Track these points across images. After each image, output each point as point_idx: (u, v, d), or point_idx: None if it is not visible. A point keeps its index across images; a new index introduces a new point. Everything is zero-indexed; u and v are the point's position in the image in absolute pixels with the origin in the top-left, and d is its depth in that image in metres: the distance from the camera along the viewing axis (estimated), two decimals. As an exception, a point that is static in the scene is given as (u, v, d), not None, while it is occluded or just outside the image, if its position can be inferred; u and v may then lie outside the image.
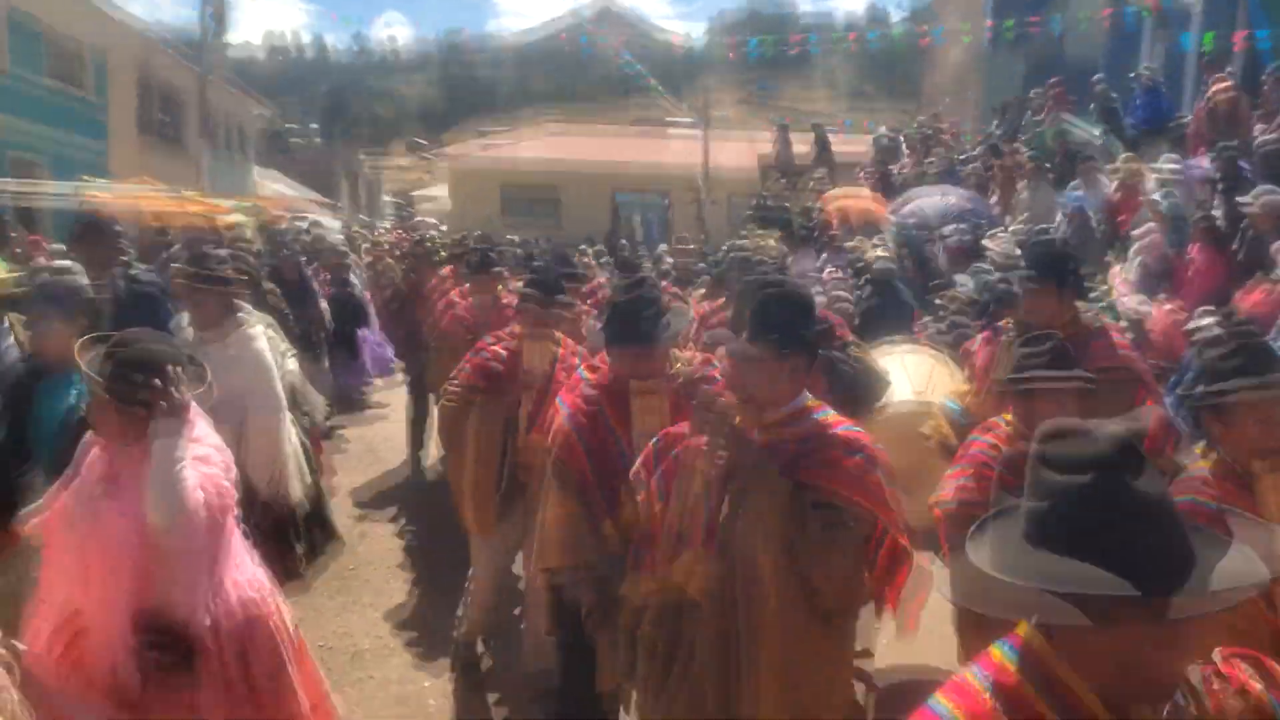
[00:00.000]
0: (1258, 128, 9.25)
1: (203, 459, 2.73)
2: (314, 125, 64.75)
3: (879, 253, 9.89)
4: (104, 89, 19.19)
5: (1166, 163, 9.09)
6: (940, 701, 1.42)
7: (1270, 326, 6.08)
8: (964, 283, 7.57)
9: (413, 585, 5.52)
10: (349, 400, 9.73)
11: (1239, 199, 7.68)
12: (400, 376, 9.72)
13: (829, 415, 2.77)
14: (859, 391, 4.40)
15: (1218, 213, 8.04)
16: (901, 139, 17.20)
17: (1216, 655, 1.46)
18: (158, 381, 2.77)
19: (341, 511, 6.14)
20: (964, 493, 3.10)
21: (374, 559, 5.89)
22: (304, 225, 15.12)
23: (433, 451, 7.73)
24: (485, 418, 4.23)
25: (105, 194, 12.68)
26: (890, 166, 15.85)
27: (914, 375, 5.07)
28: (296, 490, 4.27)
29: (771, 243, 14.05)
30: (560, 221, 30.40)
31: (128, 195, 12.71)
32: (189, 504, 2.56)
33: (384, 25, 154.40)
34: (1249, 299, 6.44)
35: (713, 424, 2.54)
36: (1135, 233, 8.22)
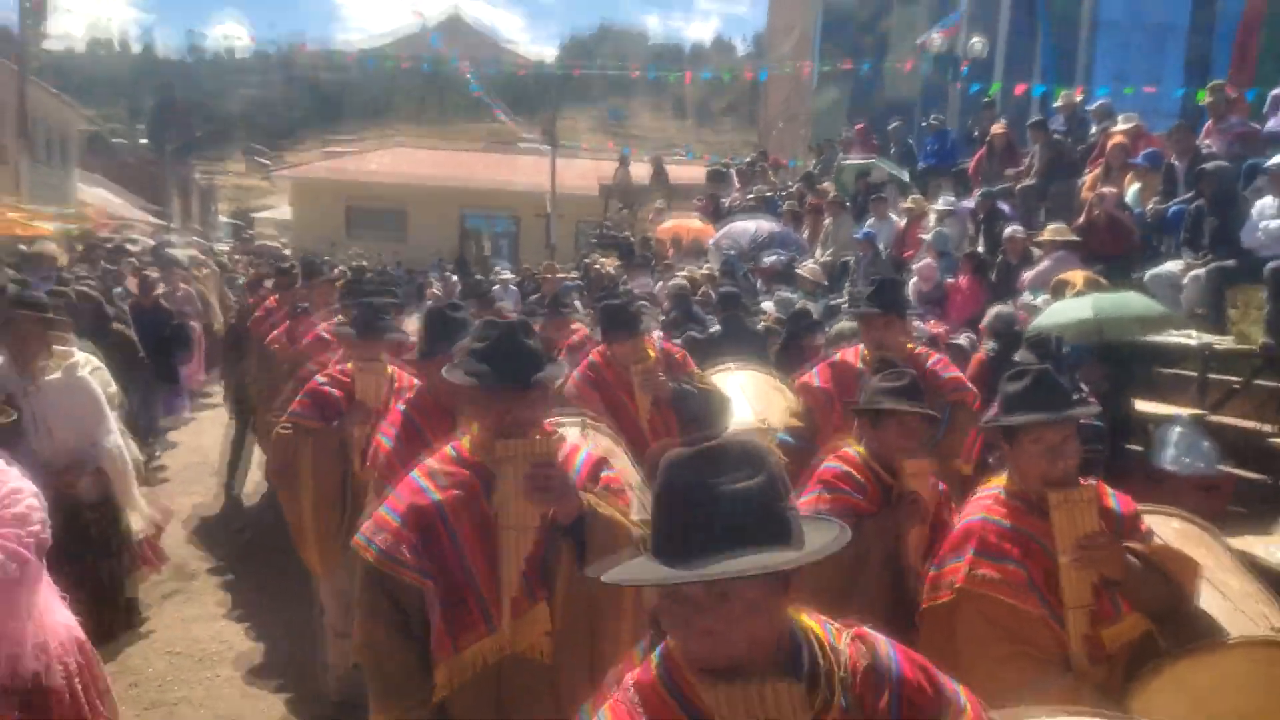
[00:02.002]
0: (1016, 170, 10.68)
1: (21, 517, 2.56)
2: (143, 140, 61.16)
3: (703, 274, 10.79)
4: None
5: (943, 201, 10.39)
6: (591, 709, 1.52)
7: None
8: (768, 307, 8.50)
9: (250, 593, 5.80)
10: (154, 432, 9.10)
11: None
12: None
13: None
14: (707, 418, 4.54)
15: (982, 247, 9.34)
16: (733, 170, 18.37)
17: (849, 633, 1.54)
18: None
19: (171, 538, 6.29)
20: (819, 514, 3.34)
21: (209, 574, 6.14)
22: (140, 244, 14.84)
23: (253, 477, 7.73)
24: (320, 452, 4.10)
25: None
26: (721, 196, 16.94)
27: (753, 398, 5.19)
28: (143, 513, 4.42)
29: (610, 266, 14.88)
30: (408, 240, 30.33)
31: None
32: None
33: (222, 33, 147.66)
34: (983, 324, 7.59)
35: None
36: (915, 265, 9.40)
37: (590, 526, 2.40)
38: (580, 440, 3.68)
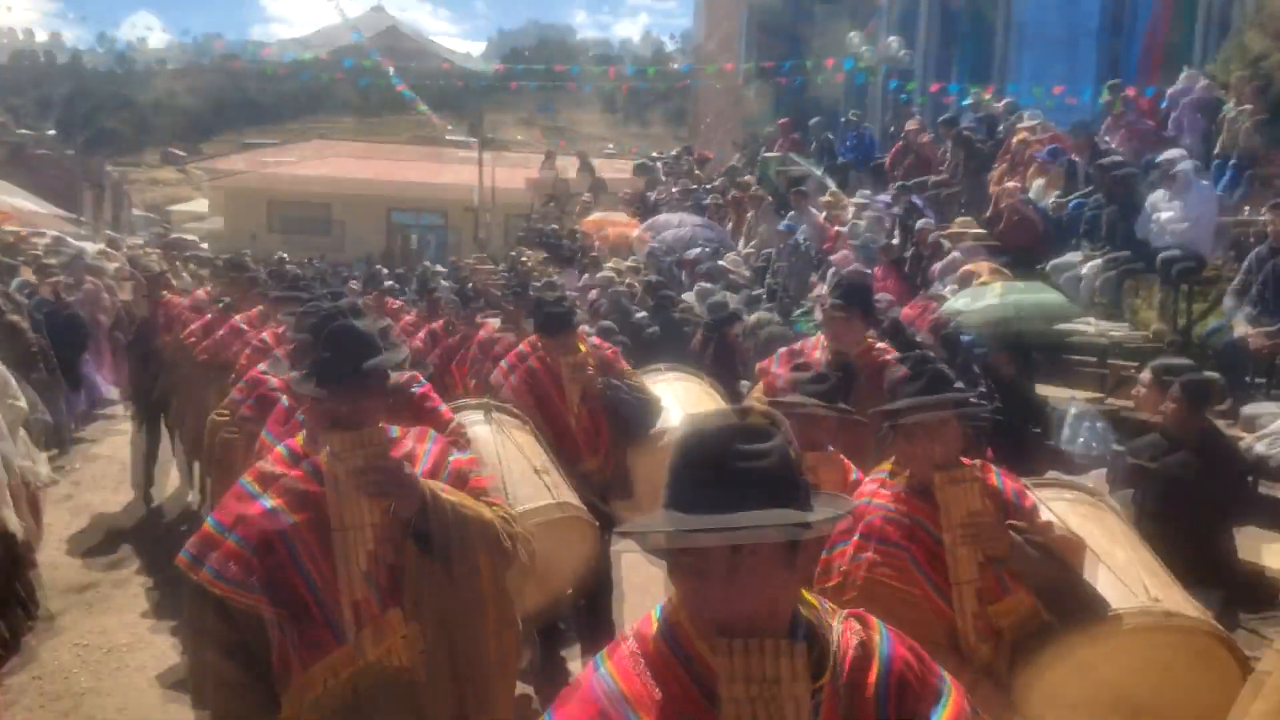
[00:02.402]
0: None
1: None
2: (51, 131, 58.92)
3: (641, 276, 10.83)
4: None
5: (860, 196, 10.64)
6: (602, 660, 1.51)
7: (920, 331, 7.48)
8: (689, 299, 8.62)
9: (163, 596, 5.68)
10: (61, 438, 8.77)
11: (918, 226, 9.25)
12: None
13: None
14: (641, 420, 4.66)
15: (897, 240, 9.61)
16: (659, 166, 18.51)
17: (842, 613, 1.57)
18: None
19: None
20: None
21: (122, 577, 6.01)
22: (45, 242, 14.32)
23: (167, 487, 7.60)
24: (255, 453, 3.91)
25: None
26: (649, 192, 17.07)
27: (685, 401, 5.21)
28: (13, 521, 4.24)
29: (535, 261, 14.85)
30: (335, 241, 29.87)
31: None
32: None
33: (133, 26, 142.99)
34: (907, 312, 7.83)
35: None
36: (833, 257, 9.61)
37: (435, 518, 2.25)
38: (485, 425, 3.71)
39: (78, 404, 9.57)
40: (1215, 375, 4.98)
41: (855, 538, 2.70)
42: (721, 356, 7.31)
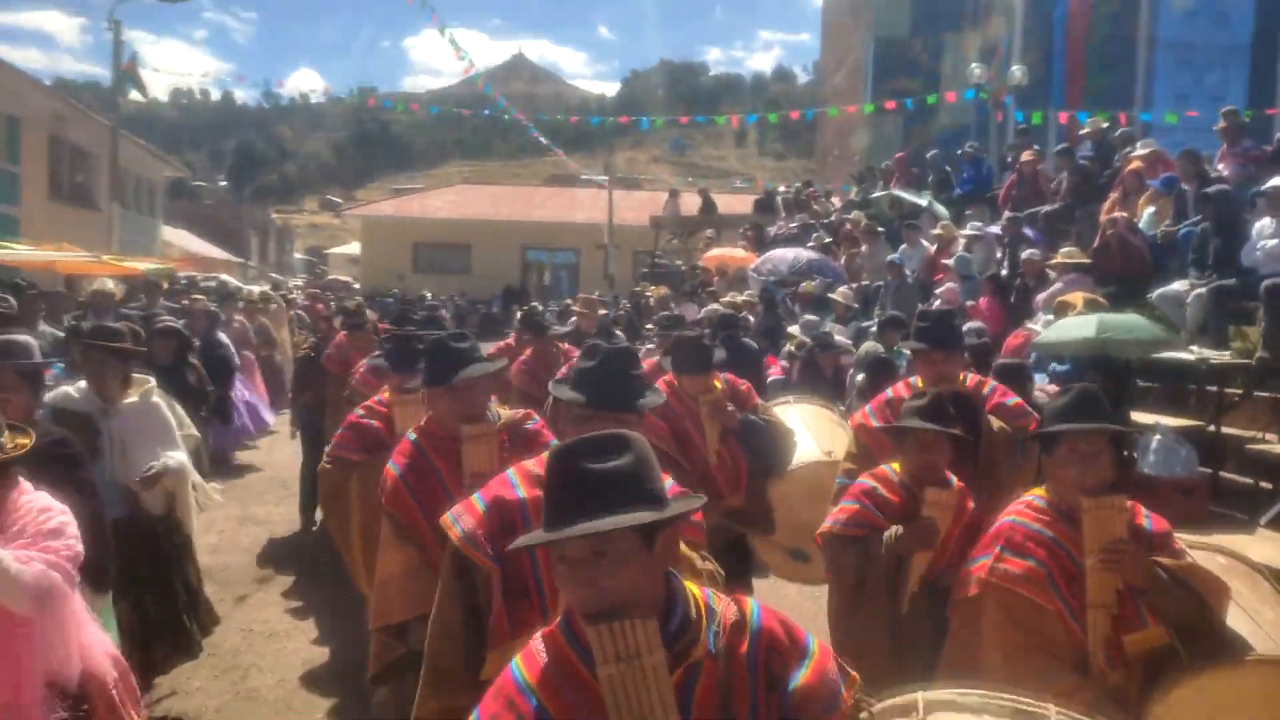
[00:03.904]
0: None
1: (56, 531, 2.74)
2: (222, 180, 63.80)
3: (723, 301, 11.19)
4: (16, 154, 19.73)
5: (970, 226, 10.76)
6: (515, 660, 1.77)
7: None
8: (795, 330, 8.99)
9: (310, 592, 6.43)
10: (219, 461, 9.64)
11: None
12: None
13: None
14: (778, 454, 4.69)
15: (1006, 270, 9.70)
16: (779, 200, 18.89)
17: (726, 598, 1.82)
18: None
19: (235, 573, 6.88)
20: (837, 522, 3.41)
21: (278, 580, 6.83)
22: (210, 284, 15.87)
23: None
24: (366, 481, 4.07)
25: (23, 257, 13.36)
26: (767, 225, 17.45)
27: (818, 433, 5.20)
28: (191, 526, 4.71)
29: (657, 295, 15.43)
30: (474, 278, 31.40)
31: (43, 259, 13.41)
32: (41, 591, 2.62)
33: (296, 82, 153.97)
34: (1010, 341, 7.97)
35: None
36: (939, 290, 9.79)
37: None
38: None
39: (227, 435, 10.43)
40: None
41: (996, 550, 2.82)
42: (813, 384, 7.58)
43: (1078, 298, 6.96)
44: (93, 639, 2.88)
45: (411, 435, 3.51)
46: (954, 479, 3.40)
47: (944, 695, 1.98)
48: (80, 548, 2.81)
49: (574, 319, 8.42)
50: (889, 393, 4.48)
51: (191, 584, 4.73)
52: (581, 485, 1.65)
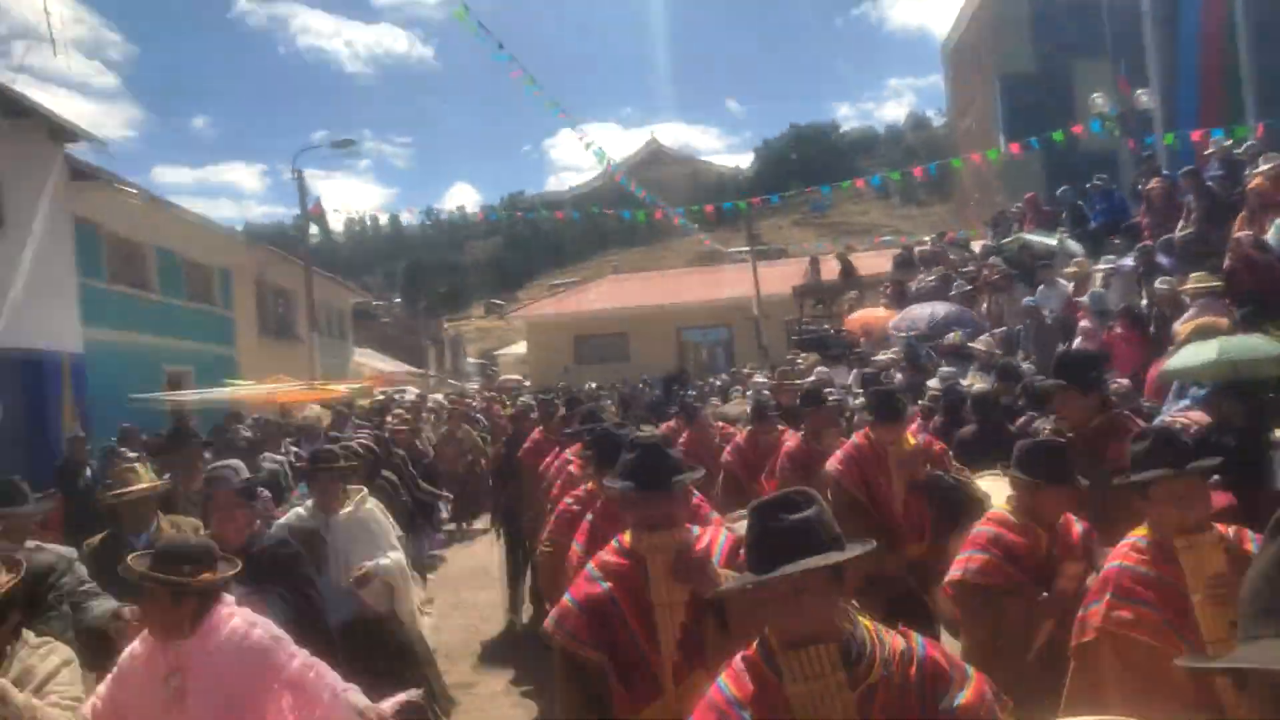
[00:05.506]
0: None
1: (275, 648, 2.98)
2: (396, 299, 68.10)
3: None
4: (230, 300, 22.62)
5: (1104, 261, 10.92)
6: (722, 676, 2.08)
7: (1160, 395, 7.82)
8: (933, 384, 9.44)
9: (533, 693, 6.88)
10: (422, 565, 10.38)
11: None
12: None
13: None
14: (964, 511, 4.71)
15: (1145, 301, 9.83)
16: (916, 255, 19.16)
17: (893, 631, 2.12)
18: (206, 571, 2.96)
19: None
20: (968, 570, 3.50)
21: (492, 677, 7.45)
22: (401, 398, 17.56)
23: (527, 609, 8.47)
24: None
25: (249, 392, 15.45)
26: (909, 283, 17.75)
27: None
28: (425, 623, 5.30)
29: (808, 363, 16.00)
30: (632, 364, 32.57)
31: (266, 392, 15.46)
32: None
33: (453, 197, 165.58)
34: (1151, 374, 8.16)
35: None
36: (1080, 325, 10.01)
37: (729, 599, 2.73)
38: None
39: (425, 541, 11.11)
40: None
41: (1108, 597, 2.92)
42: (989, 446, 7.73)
43: (1204, 322, 7.18)
44: None
45: (589, 516, 3.88)
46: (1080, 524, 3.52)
47: None
48: (296, 650, 3.08)
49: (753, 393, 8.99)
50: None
51: (426, 675, 5.05)
52: (781, 534, 2.00)
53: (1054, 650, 3.27)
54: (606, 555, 3.02)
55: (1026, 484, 3.50)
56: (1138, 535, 3.01)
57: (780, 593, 1.97)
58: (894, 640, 2.10)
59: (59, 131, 13.83)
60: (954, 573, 3.56)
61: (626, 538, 3.02)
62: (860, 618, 2.12)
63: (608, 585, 2.92)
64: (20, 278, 12.89)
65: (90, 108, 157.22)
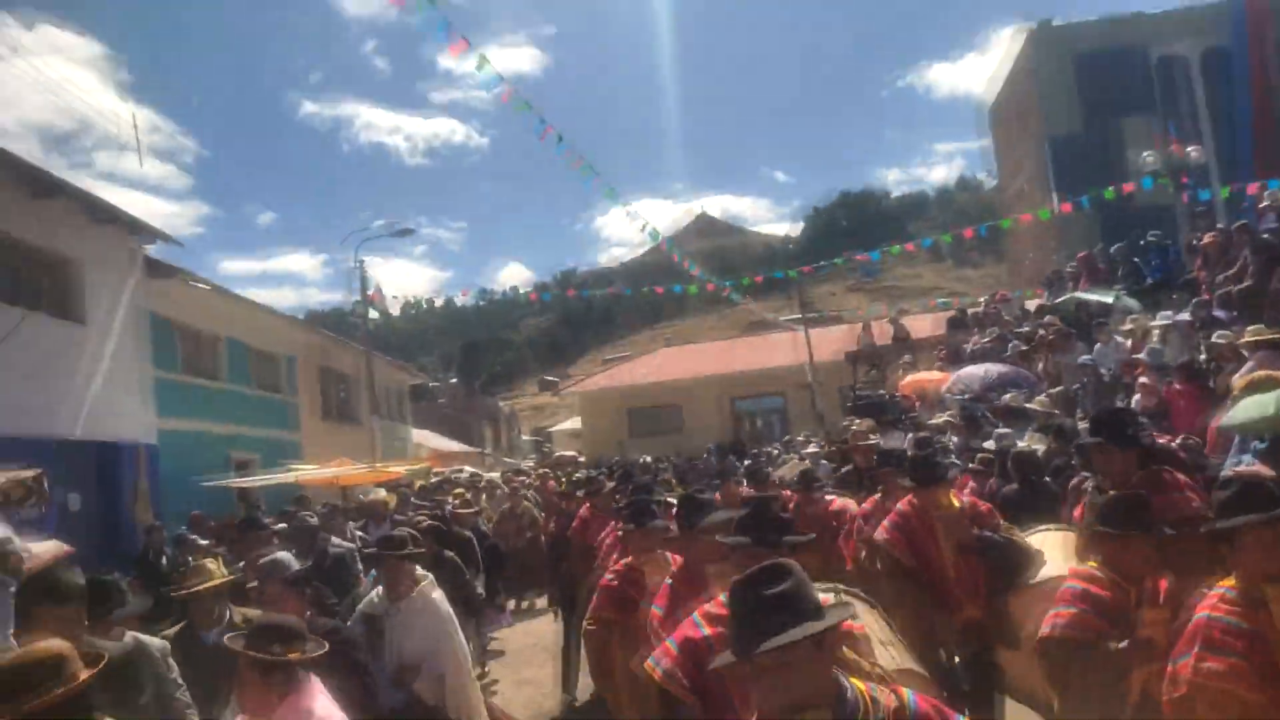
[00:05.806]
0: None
1: None
2: (452, 378, 69.01)
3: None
4: (294, 387, 23.27)
5: (1160, 317, 10.81)
6: None
7: (1221, 450, 7.68)
8: (989, 445, 9.35)
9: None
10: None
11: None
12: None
13: None
14: (1017, 568, 4.75)
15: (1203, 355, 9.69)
16: (970, 316, 19.08)
17: (884, 687, 2.21)
18: (297, 649, 3.09)
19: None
20: (1057, 626, 3.48)
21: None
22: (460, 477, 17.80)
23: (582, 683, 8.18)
24: (627, 646, 4.25)
25: (315, 475, 15.81)
26: (963, 344, 17.66)
27: (1066, 551, 5.10)
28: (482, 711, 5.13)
29: (864, 429, 15.91)
30: (686, 436, 32.56)
31: (331, 475, 15.81)
32: None
33: (505, 277, 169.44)
34: (1211, 427, 8.02)
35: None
36: (1139, 382, 9.88)
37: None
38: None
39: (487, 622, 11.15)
40: None
41: (1196, 649, 2.88)
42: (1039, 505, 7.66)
43: (1260, 375, 7.08)
44: None
45: (667, 580, 3.96)
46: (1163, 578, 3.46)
47: None
48: None
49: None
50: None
51: None
52: (760, 608, 2.06)
53: (1149, 704, 3.23)
54: (711, 606, 3.07)
55: (1111, 537, 3.49)
56: (1225, 585, 2.97)
57: (765, 666, 2.01)
58: (887, 698, 2.15)
59: (138, 232, 14.61)
60: (1044, 629, 3.53)
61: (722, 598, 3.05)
62: (852, 679, 2.16)
63: (708, 632, 2.98)
64: (100, 372, 13.51)
65: (164, 207, 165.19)
